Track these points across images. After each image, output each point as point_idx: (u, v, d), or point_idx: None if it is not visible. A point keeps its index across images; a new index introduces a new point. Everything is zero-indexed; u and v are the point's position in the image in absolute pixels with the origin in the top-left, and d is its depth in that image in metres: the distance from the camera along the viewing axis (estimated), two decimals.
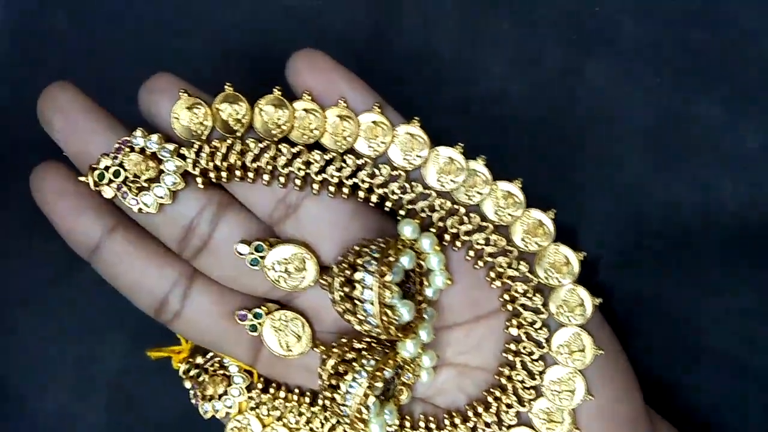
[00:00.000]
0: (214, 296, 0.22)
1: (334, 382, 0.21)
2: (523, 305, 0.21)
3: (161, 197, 0.20)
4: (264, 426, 0.24)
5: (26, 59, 0.30)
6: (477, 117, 0.23)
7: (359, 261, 0.19)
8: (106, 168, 0.20)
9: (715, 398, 0.25)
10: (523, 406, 0.22)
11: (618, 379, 0.22)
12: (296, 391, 0.24)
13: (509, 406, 0.22)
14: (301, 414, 0.23)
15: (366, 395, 0.20)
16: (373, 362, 0.20)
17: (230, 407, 0.24)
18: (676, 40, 0.23)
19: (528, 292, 0.21)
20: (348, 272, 0.19)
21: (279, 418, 0.24)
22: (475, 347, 0.22)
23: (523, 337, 0.21)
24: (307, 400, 0.24)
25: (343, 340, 0.21)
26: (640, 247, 0.25)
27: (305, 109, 0.20)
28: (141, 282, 0.22)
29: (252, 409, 0.24)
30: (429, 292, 0.21)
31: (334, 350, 0.21)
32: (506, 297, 0.21)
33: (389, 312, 0.19)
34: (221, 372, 0.24)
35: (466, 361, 0.23)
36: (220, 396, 0.24)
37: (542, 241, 0.21)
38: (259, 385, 0.24)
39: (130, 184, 0.20)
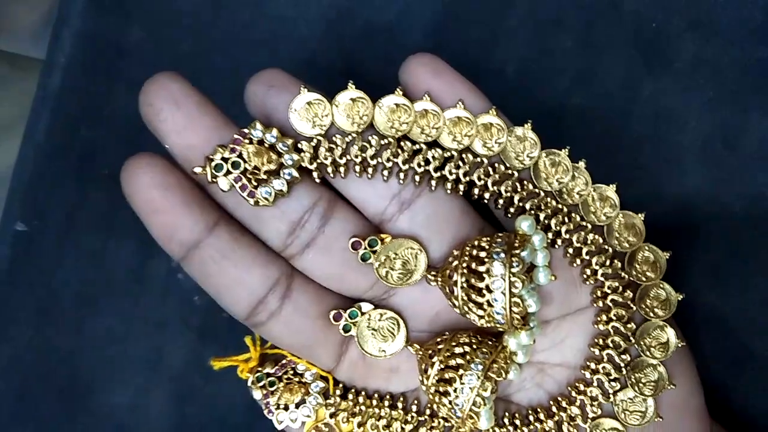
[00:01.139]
0: (311, 296, 0.22)
1: (446, 376, 0.21)
2: (613, 301, 0.22)
3: (280, 190, 0.20)
4: None
5: (101, 70, 0.30)
6: (538, 129, 0.24)
7: (486, 252, 0.20)
8: (224, 159, 0.20)
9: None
10: (607, 398, 0.23)
11: (691, 374, 0.24)
12: (375, 396, 0.24)
13: (593, 398, 0.23)
14: (380, 418, 0.24)
15: (483, 389, 0.20)
16: (483, 356, 0.21)
17: (308, 416, 0.23)
18: (734, 58, 0.26)
19: (619, 288, 0.22)
20: (474, 264, 0.20)
21: (360, 425, 0.24)
22: (558, 345, 0.24)
23: (611, 332, 0.23)
24: (386, 404, 0.24)
25: (445, 337, 0.22)
26: (695, 256, 0.27)
27: (425, 110, 0.21)
28: (242, 279, 0.21)
29: (331, 416, 0.24)
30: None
31: (439, 347, 0.21)
32: (598, 293, 0.23)
33: (519, 302, 0.20)
34: (296, 380, 0.24)
35: (546, 358, 0.24)
36: (297, 405, 0.24)
37: (634, 240, 0.22)
38: (338, 392, 0.24)
39: (250, 176, 0.20)
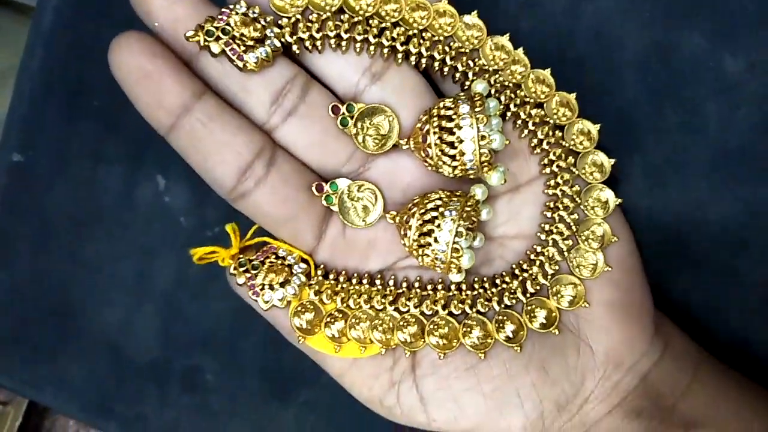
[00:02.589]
0: (295, 166, 0.24)
1: (425, 229, 0.23)
2: (558, 166, 0.26)
3: (266, 56, 0.22)
4: (326, 310, 0.25)
5: (91, 9, 0.33)
6: None
7: (453, 110, 0.23)
8: (215, 27, 0.22)
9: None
10: (563, 255, 0.26)
11: (628, 235, 0.27)
12: (355, 274, 0.25)
13: (551, 258, 0.26)
14: (361, 294, 0.25)
15: (458, 233, 0.23)
16: (455, 205, 0.23)
17: (293, 295, 0.24)
18: None
19: (562, 155, 0.26)
20: (444, 122, 0.23)
21: (343, 301, 0.25)
22: (514, 217, 0.26)
23: (560, 195, 0.26)
24: (366, 281, 0.25)
25: (417, 200, 0.24)
26: (636, 161, 0.31)
27: None
28: (229, 145, 0.22)
29: (315, 294, 0.25)
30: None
31: (415, 207, 0.24)
32: (545, 161, 0.26)
33: (485, 137, 0.22)
34: (278, 262, 0.25)
35: (504, 232, 0.26)
36: (282, 284, 0.24)
37: (570, 114, 0.26)
38: (319, 272, 0.25)
39: (238, 42, 0.22)
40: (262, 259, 0.25)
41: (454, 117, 0.23)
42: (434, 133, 0.23)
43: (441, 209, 0.23)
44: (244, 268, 0.24)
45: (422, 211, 0.23)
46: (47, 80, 0.32)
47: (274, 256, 0.25)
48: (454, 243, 0.23)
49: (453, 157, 0.23)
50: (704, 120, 0.31)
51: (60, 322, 0.34)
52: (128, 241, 0.33)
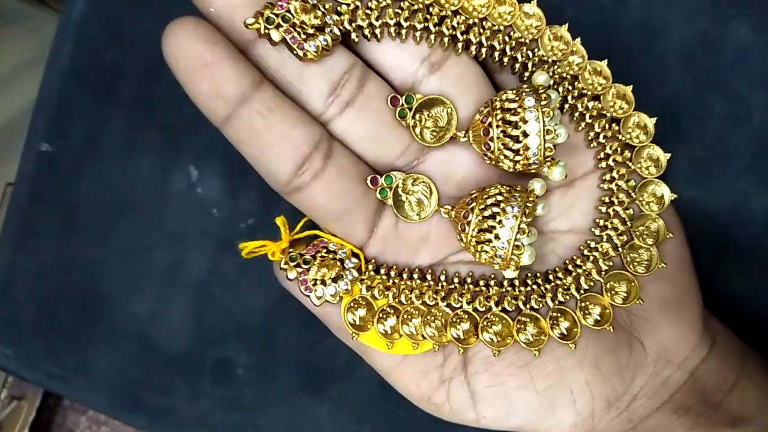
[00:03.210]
0: (351, 159, 0.23)
1: (485, 225, 0.22)
2: (615, 161, 0.25)
3: (326, 44, 0.22)
4: (378, 306, 0.24)
5: None
6: None
7: (517, 103, 0.22)
8: (274, 14, 0.21)
9: None
10: (617, 251, 0.25)
11: (680, 229, 0.27)
12: (405, 269, 0.25)
13: (605, 254, 0.25)
14: (413, 289, 0.24)
15: (520, 230, 0.22)
16: (517, 201, 0.23)
17: (346, 289, 0.24)
18: None
19: (618, 149, 0.25)
20: (507, 115, 0.22)
21: (395, 297, 0.24)
22: (567, 211, 0.26)
23: (615, 190, 0.25)
24: (416, 276, 0.25)
25: (475, 194, 0.23)
26: (681, 154, 0.30)
27: None
28: (288, 135, 0.22)
29: (366, 290, 0.24)
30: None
31: (472, 205, 0.23)
32: (601, 155, 0.25)
33: (551, 131, 0.22)
34: (329, 257, 0.24)
35: (556, 226, 0.26)
36: (334, 279, 0.24)
37: (627, 107, 0.25)
38: (370, 267, 0.24)
39: (298, 30, 0.21)
40: (313, 253, 0.24)
41: (519, 110, 0.22)
42: (497, 126, 0.22)
43: (502, 205, 0.22)
44: (295, 263, 0.24)
45: (482, 206, 0.23)
46: (78, 69, 0.31)
47: (325, 251, 0.24)
48: (516, 240, 0.22)
49: (516, 152, 0.22)
50: (748, 111, 0.31)
51: (88, 313, 0.33)
52: (160, 232, 0.32)
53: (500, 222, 0.22)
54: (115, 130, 0.32)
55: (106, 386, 0.33)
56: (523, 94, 0.22)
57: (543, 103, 0.22)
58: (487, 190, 0.23)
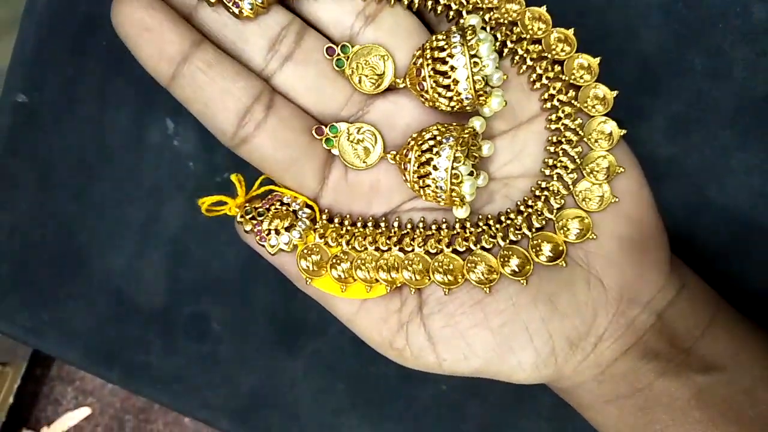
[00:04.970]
0: (293, 110, 0.24)
1: (424, 159, 0.23)
2: (559, 101, 0.26)
3: (261, 2, 0.23)
4: (332, 253, 0.25)
5: None
6: None
7: (445, 41, 0.23)
8: None
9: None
10: (568, 189, 0.25)
11: (636, 168, 0.26)
12: (359, 218, 0.26)
13: (555, 192, 0.25)
14: (366, 236, 0.25)
15: (456, 158, 0.23)
16: (452, 133, 0.23)
17: (299, 239, 0.25)
18: None
19: (563, 89, 0.26)
20: (436, 53, 0.23)
21: (348, 243, 0.25)
22: (518, 155, 0.26)
23: (562, 129, 0.26)
24: (370, 224, 0.25)
25: (414, 135, 0.24)
26: (659, 109, 0.30)
27: None
28: (228, 90, 0.23)
29: (320, 238, 0.25)
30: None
31: (414, 143, 0.24)
32: (546, 96, 0.26)
33: (479, 65, 0.23)
34: (283, 209, 0.25)
35: (509, 172, 0.26)
36: (287, 229, 0.25)
37: (569, 49, 0.26)
38: (324, 216, 0.25)
39: None
40: (267, 206, 0.25)
41: (445, 47, 0.23)
42: (427, 65, 0.23)
43: (438, 138, 0.23)
44: (250, 216, 0.25)
45: (420, 142, 0.23)
46: (53, 21, 0.32)
47: (279, 203, 0.25)
48: (453, 169, 0.23)
49: (447, 87, 0.23)
50: (729, 66, 0.30)
51: (63, 267, 0.33)
52: (135, 185, 0.33)
53: (437, 153, 0.23)
54: (91, 82, 0.32)
55: (81, 340, 0.33)
56: (451, 34, 0.23)
57: (468, 38, 0.23)
58: (422, 132, 0.24)
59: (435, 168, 0.23)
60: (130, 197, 0.33)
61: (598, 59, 0.26)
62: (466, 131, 0.23)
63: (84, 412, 0.79)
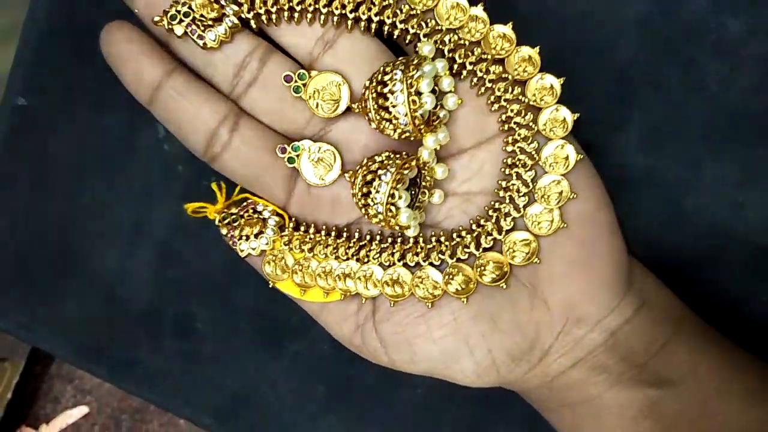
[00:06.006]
0: (257, 131, 0.27)
1: (365, 188, 0.25)
2: (516, 123, 0.26)
3: (223, 33, 0.25)
4: (295, 259, 0.28)
5: None
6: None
7: (390, 71, 0.24)
8: (177, 12, 0.25)
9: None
10: (519, 212, 0.26)
11: (597, 190, 0.27)
12: (324, 227, 0.28)
13: (506, 214, 0.26)
14: (327, 245, 0.27)
15: (393, 187, 0.24)
16: (395, 164, 0.25)
17: (266, 245, 0.28)
18: None
19: (522, 112, 0.26)
20: (381, 77, 0.24)
21: (310, 250, 0.27)
22: (477, 172, 0.27)
23: (518, 152, 0.26)
24: (333, 234, 0.27)
25: (365, 160, 0.26)
26: (635, 121, 0.30)
27: None
28: (197, 115, 0.26)
29: (285, 245, 0.28)
30: (441, 114, 0.26)
31: (361, 168, 0.25)
32: (503, 118, 0.26)
33: (416, 100, 0.23)
34: (255, 216, 0.28)
35: (469, 188, 0.27)
36: (256, 235, 0.28)
37: (532, 69, 0.26)
38: (291, 225, 0.28)
39: (198, 23, 0.25)
40: (242, 213, 0.28)
41: (388, 82, 0.24)
42: (372, 99, 0.24)
43: (379, 171, 0.25)
44: (226, 221, 0.28)
45: (365, 172, 0.25)
46: (53, 26, 0.33)
47: (252, 210, 0.28)
48: (389, 204, 0.24)
49: (390, 121, 0.24)
50: (704, 80, 0.30)
51: (57, 266, 0.34)
52: (127, 187, 0.34)
53: (378, 184, 0.24)
54: (88, 87, 0.33)
55: (72, 337, 0.35)
56: (395, 65, 0.24)
57: (411, 73, 0.23)
58: (374, 156, 0.25)
59: (373, 201, 0.24)
60: (121, 199, 0.34)
61: (561, 80, 0.26)
62: (406, 165, 0.25)
63: (82, 410, 0.80)
